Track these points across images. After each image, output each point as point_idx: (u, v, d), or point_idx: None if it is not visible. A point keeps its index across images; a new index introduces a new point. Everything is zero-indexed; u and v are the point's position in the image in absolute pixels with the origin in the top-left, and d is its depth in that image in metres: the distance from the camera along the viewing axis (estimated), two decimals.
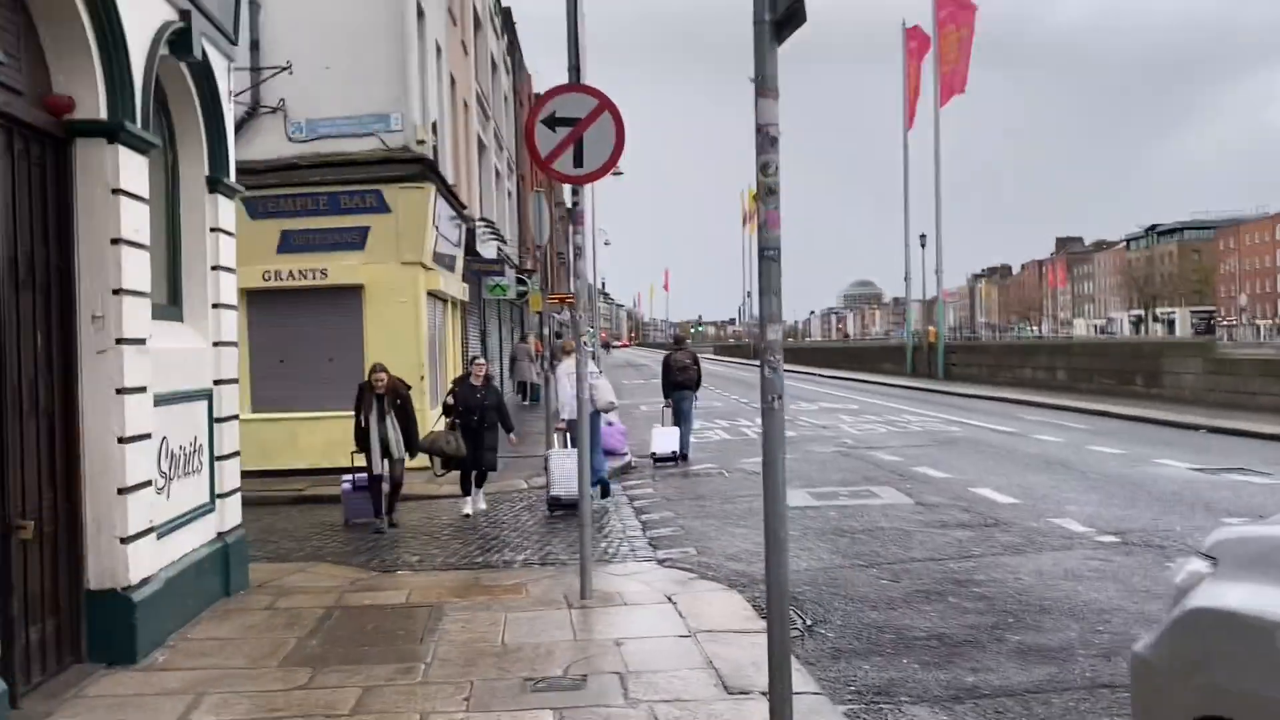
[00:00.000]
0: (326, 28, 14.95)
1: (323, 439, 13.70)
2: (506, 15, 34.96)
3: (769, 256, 4.07)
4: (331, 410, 13.29)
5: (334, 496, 11.43)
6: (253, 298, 14.89)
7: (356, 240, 15.05)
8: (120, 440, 5.80)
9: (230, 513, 7.77)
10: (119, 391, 5.78)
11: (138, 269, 6.00)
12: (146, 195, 6.16)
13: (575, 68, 7.63)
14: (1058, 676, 5.52)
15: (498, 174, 29.60)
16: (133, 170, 5.95)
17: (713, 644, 6.03)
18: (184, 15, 6.71)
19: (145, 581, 6.03)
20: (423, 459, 11.32)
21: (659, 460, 15.26)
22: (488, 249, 22.92)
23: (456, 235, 18.59)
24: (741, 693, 5.19)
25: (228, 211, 7.87)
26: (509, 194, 32.73)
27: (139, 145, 6.02)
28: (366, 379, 10.74)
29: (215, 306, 7.59)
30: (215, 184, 7.58)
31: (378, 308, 14.99)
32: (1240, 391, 20.59)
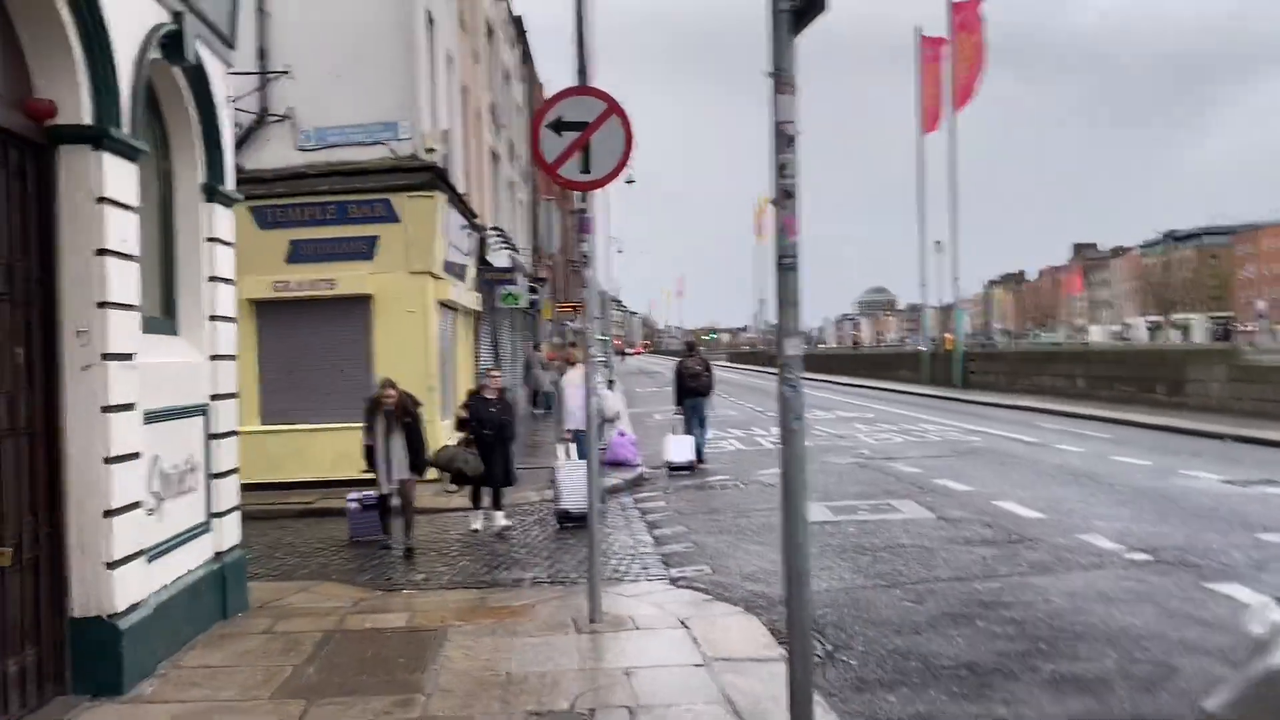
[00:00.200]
0: (334, 35, 14.76)
1: (332, 451, 13.51)
2: (519, 25, 34.77)
3: (787, 265, 3.79)
4: (340, 422, 13.10)
5: (343, 510, 11.16)
6: (262, 309, 14.76)
7: (365, 250, 14.85)
8: (106, 460, 5.52)
9: (229, 532, 7.50)
10: (105, 409, 5.51)
11: (125, 281, 5.73)
12: (135, 204, 5.89)
13: (582, 70, 7.38)
14: (1095, 711, 5.18)
15: (511, 183, 29.39)
16: (120, 178, 5.69)
17: (729, 674, 5.72)
18: (176, 17, 6.46)
19: (134, 608, 5.76)
20: (433, 472, 11.04)
21: (674, 469, 15.03)
22: (499, 257, 22.72)
23: (468, 244, 18.37)
24: None
25: (226, 221, 7.60)
26: (521, 202, 32.53)
27: (126, 152, 5.76)
28: (376, 395, 10.40)
29: (212, 319, 7.32)
30: (212, 192, 7.32)
31: (386, 318, 14.79)
32: (1269, 400, 20.10)
